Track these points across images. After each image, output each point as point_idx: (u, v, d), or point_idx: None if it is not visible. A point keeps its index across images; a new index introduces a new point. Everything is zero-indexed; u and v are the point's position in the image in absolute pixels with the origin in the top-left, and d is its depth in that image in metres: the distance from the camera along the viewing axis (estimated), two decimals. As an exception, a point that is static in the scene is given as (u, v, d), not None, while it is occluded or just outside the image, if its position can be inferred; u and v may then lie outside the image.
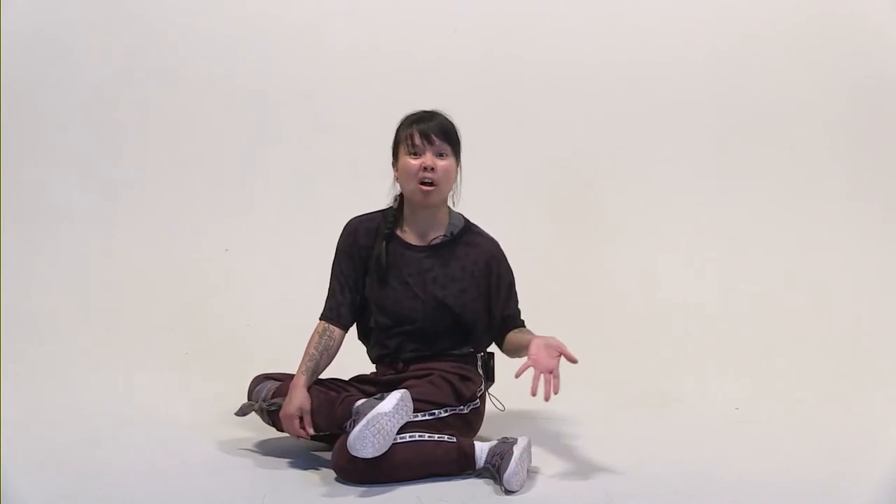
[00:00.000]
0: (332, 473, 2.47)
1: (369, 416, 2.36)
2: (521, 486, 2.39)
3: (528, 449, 2.47)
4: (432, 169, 2.60)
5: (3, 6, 4.05)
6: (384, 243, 2.70)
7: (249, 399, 2.72)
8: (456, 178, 2.70)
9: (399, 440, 2.41)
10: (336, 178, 4.22)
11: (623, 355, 3.62)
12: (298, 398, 2.56)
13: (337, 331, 2.71)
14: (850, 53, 4.17)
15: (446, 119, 2.69)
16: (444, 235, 2.71)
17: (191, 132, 4.30)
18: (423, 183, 2.61)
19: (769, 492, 2.37)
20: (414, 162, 2.62)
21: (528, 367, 2.44)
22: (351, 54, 4.27)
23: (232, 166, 4.30)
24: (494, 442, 2.48)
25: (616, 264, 4.11)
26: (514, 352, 2.70)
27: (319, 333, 2.70)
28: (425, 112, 2.70)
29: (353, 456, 2.36)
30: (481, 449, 2.47)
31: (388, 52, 4.25)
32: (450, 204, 2.76)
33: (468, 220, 2.78)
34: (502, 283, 2.72)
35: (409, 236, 2.73)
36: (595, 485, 2.40)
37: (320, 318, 2.74)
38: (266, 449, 2.68)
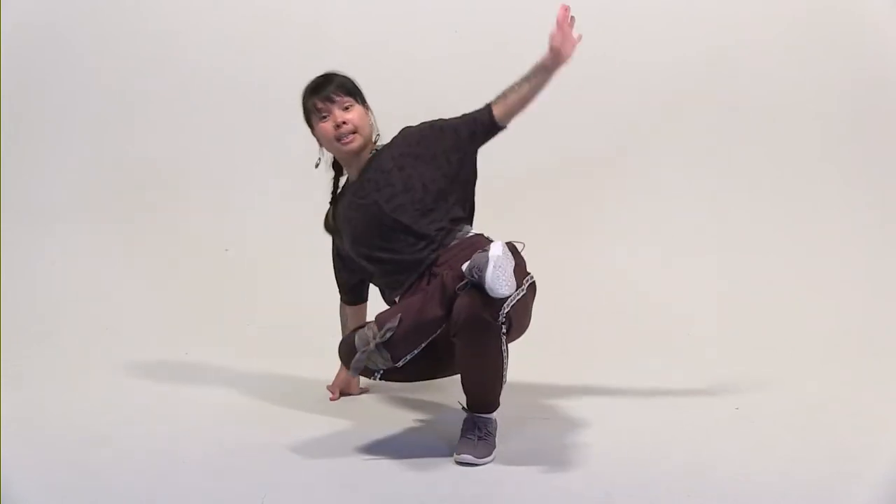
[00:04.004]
0: (331, 473, 2.48)
1: (491, 259, 2.40)
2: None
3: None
4: (344, 123, 2.82)
5: (4, 5, 4.05)
6: (331, 207, 2.99)
7: (350, 357, 2.63)
8: (371, 120, 2.90)
9: (503, 352, 2.52)
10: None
11: (623, 355, 3.62)
12: (340, 378, 3.08)
13: (350, 307, 3.09)
14: (849, 54, 4.17)
15: (340, 76, 2.89)
16: (371, 152, 2.89)
17: (191, 132, 4.31)
18: (341, 139, 2.82)
19: (769, 492, 2.37)
20: (327, 125, 2.83)
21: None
22: (353, 53, 4.28)
23: (232, 166, 4.31)
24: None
25: (615, 264, 4.11)
26: (526, 96, 2.88)
27: (340, 312, 3.14)
28: (319, 78, 2.89)
29: (490, 298, 2.41)
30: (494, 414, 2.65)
31: (392, 51, 4.25)
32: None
33: None
34: (435, 127, 2.90)
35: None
36: (595, 485, 2.40)
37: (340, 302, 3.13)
38: (266, 449, 2.68)
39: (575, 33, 2.76)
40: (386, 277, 2.85)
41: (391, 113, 4.21)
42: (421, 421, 2.93)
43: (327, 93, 2.83)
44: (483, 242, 2.71)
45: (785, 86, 4.19)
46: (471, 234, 2.82)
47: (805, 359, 3.56)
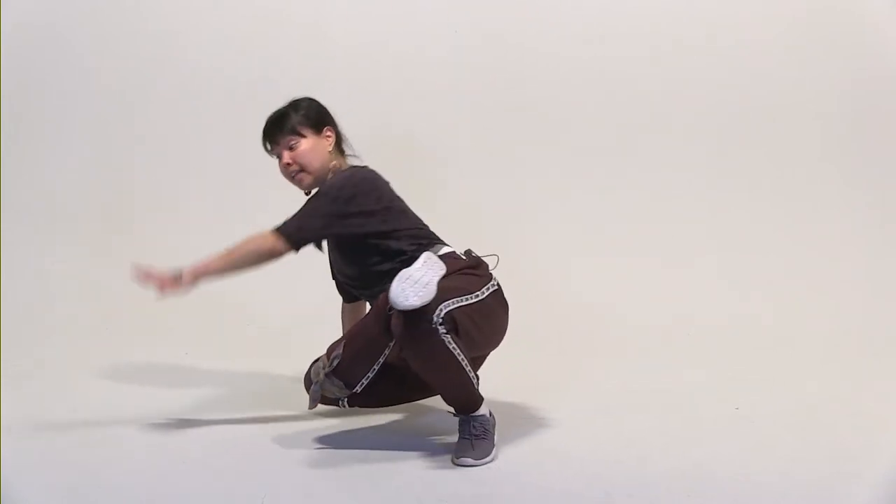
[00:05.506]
0: (331, 474, 2.48)
1: (399, 275, 2.44)
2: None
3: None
4: (289, 164, 2.82)
5: (3, 5, 4.05)
6: None
7: (308, 386, 2.70)
8: (327, 146, 2.86)
9: (453, 350, 2.45)
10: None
11: (622, 355, 3.62)
12: None
13: (348, 305, 3.06)
14: (849, 54, 4.17)
15: (283, 113, 2.85)
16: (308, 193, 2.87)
17: (191, 132, 4.31)
18: (293, 178, 2.84)
19: (769, 492, 2.37)
20: (280, 165, 2.86)
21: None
22: (353, 53, 4.28)
23: (233, 166, 4.31)
24: None
25: (615, 264, 4.11)
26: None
27: (341, 311, 3.09)
28: (267, 120, 2.86)
29: (407, 318, 2.40)
30: (484, 410, 2.59)
31: (392, 51, 4.25)
32: (350, 153, 2.93)
33: (356, 166, 2.87)
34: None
35: None
36: (595, 485, 2.40)
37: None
38: (266, 449, 2.68)
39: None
40: (366, 290, 2.85)
41: (391, 113, 4.23)
42: (420, 421, 2.93)
43: (271, 136, 2.85)
44: (450, 262, 2.67)
45: (785, 86, 4.19)
46: (442, 251, 2.75)
47: (805, 359, 3.56)
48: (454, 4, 4.28)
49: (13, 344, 3.65)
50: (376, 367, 2.62)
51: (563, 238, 4.17)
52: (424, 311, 2.42)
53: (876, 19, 4.07)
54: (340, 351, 2.62)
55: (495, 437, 2.60)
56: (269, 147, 2.87)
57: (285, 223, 2.71)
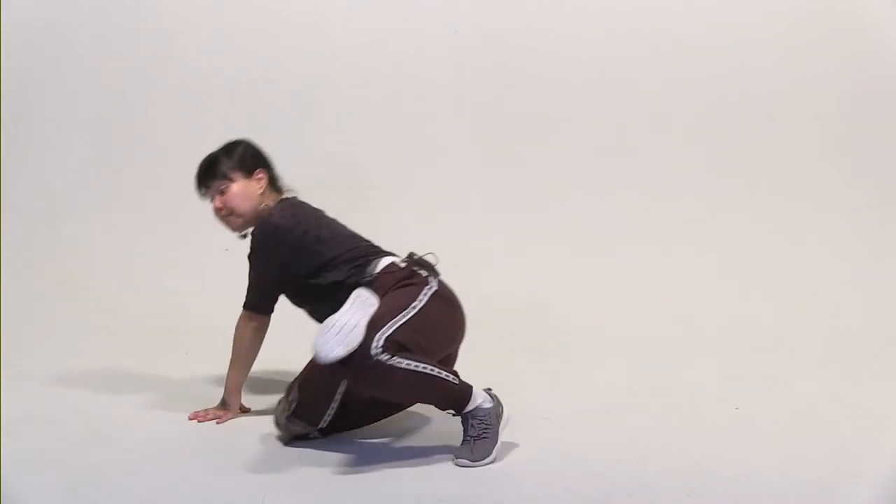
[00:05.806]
0: (331, 474, 2.48)
1: (324, 324, 2.44)
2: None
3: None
4: (220, 207, 2.88)
5: (3, 5, 4.05)
6: None
7: (278, 424, 2.72)
8: (258, 189, 2.87)
9: (407, 366, 2.42)
10: (335, 178, 4.22)
11: (623, 355, 3.62)
12: None
13: None
14: (849, 54, 4.18)
15: (214, 158, 2.89)
16: (244, 235, 2.90)
17: (191, 132, 4.31)
18: (224, 222, 2.90)
19: (769, 492, 2.37)
20: (212, 208, 2.91)
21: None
22: (353, 53, 4.28)
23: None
24: None
25: (615, 265, 4.12)
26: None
27: None
28: (199, 164, 2.90)
29: (346, 361, 2.37)
30: (476, 394, 2.56)
31: (392, 51, 4.26)
32: (286, 188, 2.95)
33: (277, 204, 2.85)
34: None
35: None
36: (595, 485, 2.40)
37: None
38: (266, 449, 2.68)
39: None
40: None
41: (391, 112, 4.23)
42: (420, 421, 2.93)
43: (203, 181, 2.89)
44: (384, 280, 2.67)
45: (785, 86, 4.20)
46: (379, 267, 2.73)
47: (805, 359, 3.56)
48: (454, 4, 4.29)
49: (13, 344, 3.65)
50: (335, 405, 2.63)
51: (564, 238, 4.17)
52: (360, 349, 2.39)
53: (876, 19, 4.08)
54: (297, 394, 2.63)
55: (500, 429, 2.58)
56: (201, 191, 2.91)
57: (247, 300, 2.83)
